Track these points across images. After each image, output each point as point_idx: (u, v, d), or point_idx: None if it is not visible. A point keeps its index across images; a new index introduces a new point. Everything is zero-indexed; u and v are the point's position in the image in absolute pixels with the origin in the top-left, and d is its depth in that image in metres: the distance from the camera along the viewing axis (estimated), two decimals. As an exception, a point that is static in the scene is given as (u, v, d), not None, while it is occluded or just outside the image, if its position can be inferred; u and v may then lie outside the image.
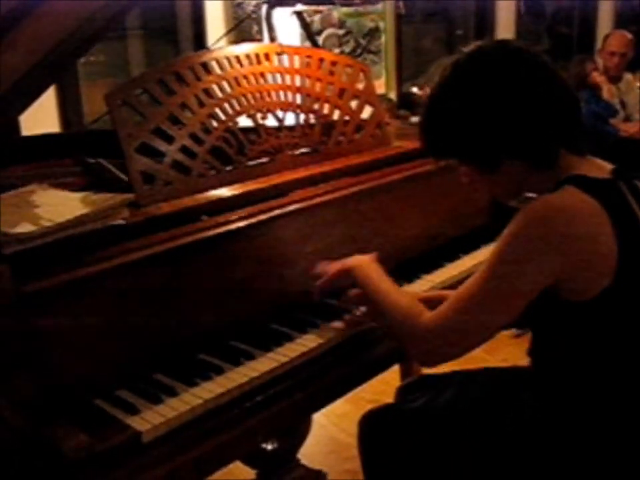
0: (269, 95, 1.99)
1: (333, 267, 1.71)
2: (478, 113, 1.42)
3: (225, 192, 1.80)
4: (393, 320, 1.54)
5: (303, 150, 2.04)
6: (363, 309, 1.75)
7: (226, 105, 1.90)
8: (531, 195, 1.48)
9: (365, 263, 1.67)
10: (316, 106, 2.09)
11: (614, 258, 1.35)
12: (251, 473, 2.27)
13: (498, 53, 1.45)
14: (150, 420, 1.38)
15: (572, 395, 1.48)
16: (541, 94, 1.41)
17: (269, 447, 2.22)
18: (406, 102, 5.30)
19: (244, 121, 1.94)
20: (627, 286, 1.36)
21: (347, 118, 2.16)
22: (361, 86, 2.22)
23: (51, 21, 1.69)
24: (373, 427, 1.76)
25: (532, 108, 1.40)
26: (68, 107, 3.86)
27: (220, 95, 1.90)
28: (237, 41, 3.60)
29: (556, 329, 1.44)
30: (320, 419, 2.76)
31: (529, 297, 1.37)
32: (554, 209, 1.35)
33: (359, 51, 4.96)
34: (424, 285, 1.96)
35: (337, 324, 1.71)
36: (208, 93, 1.88)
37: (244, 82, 1.95)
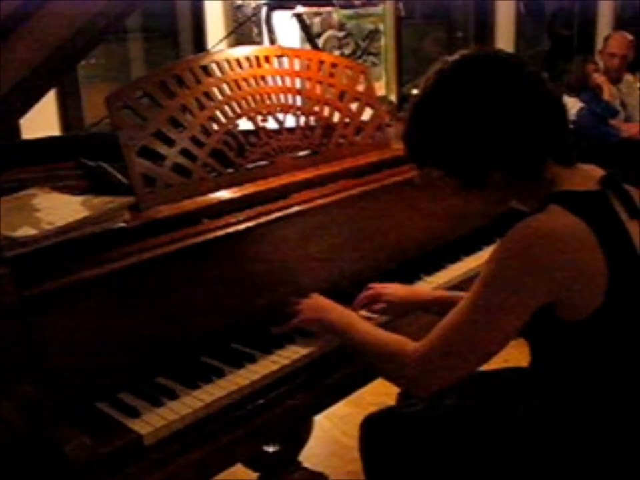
0: (269, 98, 2.00)
1: (306, 312, 1.68)
2: (460, 123, 1.39)
3: (225, 195, 1.80)
4: (379, 357, 1.50)
5: (303, 152, 2.04)
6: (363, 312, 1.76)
7: (226, 108, 1.90)
8: (515, 205, 1.47)
9: (347, 311, 1.64)
10: (316, 108, 2.09)
11: (604, 278, 1.31)
12: (252, 475, 2.27)
13: (481, 63, 1.41)
14: (151, 423, 1.38)
15: (572, 406, 1.47)
16: (524, 104, 1.37)
17: (271, 449, 2.22)
18: (406, 104, 5.30)
19: (244, 124, 1.94)
20: (618, 304, 1.34)
21: (347, 120, 2.16)
22: (361, 88, 2.23)
23: (52, 24, 1.69)
24: (375, 430, 1.76)
25: (515, 118, 1.37)
26: (68, 110, 3.86)
27: (220, 97, 1.90)
28: (237, 43, 3.60)
29: (552, 344, 1.42)
30: (322, 421, 2.77)
31: (517, 324, 1.34)
32: (536, 236, 1.31)
33: (358, 53, 4.95)
34: (424, 286, 1.97)
35: None
36: (208, 95, 1.88)
37: (244, 84, 1.95)
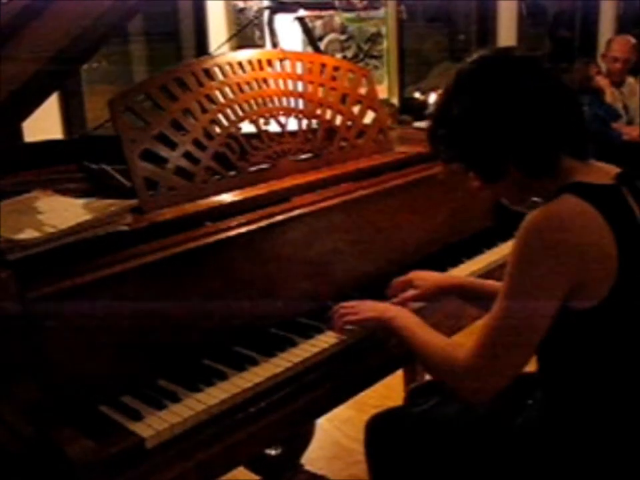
0: (271, 101, 2.00)
1: (366, 312, 1.69)
2: (479, 122, 1.43)
3: (227, 198, 1.80)
4: (433, 364, 1.52)
5: (306, 155, 2.04)
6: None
7: (228, 111, 1.90)
8: (536, 199, 1.48)
9: (401, 313, 1.65)
10: (318, 111, 2.10)
11: (614, 264, 1.33)
12: (254, 478, 2.27)
13: (499, 62, 1.46)
14: (154, 426, 1.38)
15: (579, 401, 1.47)
16: (543, 102, 1.41)
17: (273, 452, 2.23)
18: (408, 107, 5.30)
19: (246, 127, 1.94)
20: (628, 292, 1.35)
21: (349, 123, 2.16)
22: (363, 91, 2.23)
23: (55, 27, 1.69)
24: (380, 430, 1.76)
25: (534, 116, 1.41)
26: (70, 113, 3.86)
27: (222, 100, 1.90)
28: (239, 46, 3.60)
29: (561, 335, 1.42)
30: (324, 424, 2.76)
31: (550, 309, 1.35)
32: (547, 220, 1.34)
33: (360, 56, 4.96)
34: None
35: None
36: (210, 98, 1.88)
37: (246, 88, 1.95)
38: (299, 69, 2.09)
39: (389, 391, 2.36)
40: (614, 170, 1.47)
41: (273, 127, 1.99)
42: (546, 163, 1.43)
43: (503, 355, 1.37)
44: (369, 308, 1.70)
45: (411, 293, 1.83)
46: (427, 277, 1.85)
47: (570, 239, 1.32)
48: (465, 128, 1.45)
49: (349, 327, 1.70)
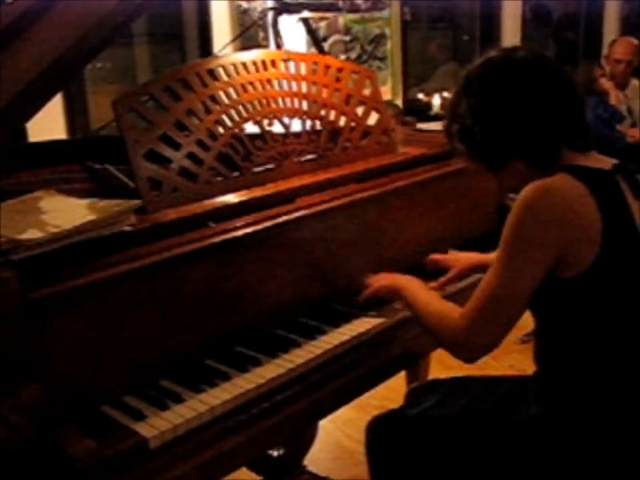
0: (275, 102, 2.00)
1: (380, 281, 1.82)
2: (485, 120, 1.53)
3: (231, 198, 1.80)
4: (432, 324, 1.60)
5: (309, 156, 2.04)
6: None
7: (232, 112, 1.90)
8: None
9: (409, 282, 1.75)
10: (322, 112, 2.10)
11: (598, 239, 1.42)
12: (257, 479, 2.27)
13: (503, 63, 1.54)
14: (157, 426, 1.38)
15: (577, 390, 1.51)
16: (544, 99, 1.50)
17: (275, 453, 2.23)
18: (412, 108, 5.30)
19: (250, 128, 1.94)
20: (609, 264, 1.44)
21: (353, 124, 2.16)
22: (367, 92, 2.23)
23: (59, 27, 1.69)
24: (381, 432, 1.76)
25: (536, 112, 1.50)
26: (75, 113, 3.87)
27: (226, 101, 1.90)
28: (243, 47, 3.60)
29: (551, 304, 1.51)
30: (326, 425, 2.76)
31: (537, 276, 1.44)
32: (535, 192, 1.43)
33: (364, 57, 4.96)
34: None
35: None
36: (214, 99, 1.88)
37: (250, 88, 1.96)
38: (303, 70, 2.09)
39: (391, 392, 2.36)
40: (612, 162, 1.55)
41: (277, 128, 1.99)
42: (548, 155, 1.51)
43: (493, 317, 1.48)
44: (382, 278, 1.84)
45: (446, 276, 1.96)
46: (460, 257, 2.01)
47: (557, 211, 1.42)
48: (473, 125, 1.54)
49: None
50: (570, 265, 1.43)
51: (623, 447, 1.49)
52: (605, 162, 1.54)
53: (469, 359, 1.55)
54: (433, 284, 1.92)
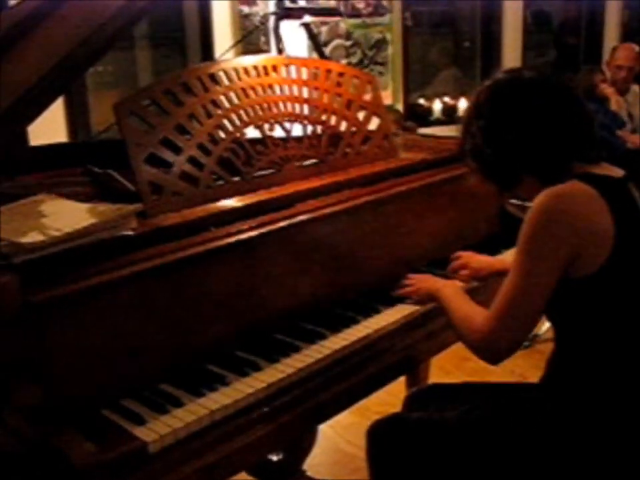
0: (277, 106, 2.00)
1: (421, 282, 1.92)
2: (495, 142, 1.59)
3: (232, 203, 1.81)
4: (458, 329, 1.66)
5: (310, 161, 2.04)
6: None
7: (233, 116, 1.91)
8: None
9: (446, 287, 1.82)
10: (323, 117, 2.10)
11: (610, 241, 1.46)
12: (256, 483, 2.26)
13: (511, 86, 1.61)
14: (156, 430, 1.38)
15: (588, 396, 1.53)
16: (553, 120, 1.55)
17: (275, 457, 2.22)
18: (413, 113, 5.31)
19: (251, 132, 1.94)
20: (620, 265, 1.47)
21: (353, 129, 2.16)
22: (368, 97, 2.23)
23: (62, 30, 1.70)
24: (382, 436, 1.76)
25: (545, 134, 1.54)
26: (76, 117, 3.88)
27: (228, 105, 1.90)
28: (244, 52, 3.61)
29: (564, 308, 1.55)
30: (326, 430, 2.76)
31: (552, 279, 1.49)
32: (548, 199, 1.48)
33: (365, 62, 4.97)
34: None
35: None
36: (216, 103, 1.88)
37: (251, 93, 1.96)
38: (304, 75, 2.09)
39: (391, 397, 2.36)
40: (622, 172, 1.59)
41: (278, 133, 1.99)
42: (559, 171, 1.54)
43: (514, 320, 1.53)
44: (423, 279, 1.94)
45: (465, 271, 2.05)
46: (481, 260, 2.07)
47: (570, 214, 1.46)
48: (484, 146, 1.60)
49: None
50: (581, 265, 1.47)
51: (633, 453, 1.50)
52: (616, 171, 1.58)
53: (494, 360, 1.59)
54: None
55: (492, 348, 1.57)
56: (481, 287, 2.02)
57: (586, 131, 1.58)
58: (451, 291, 1.79)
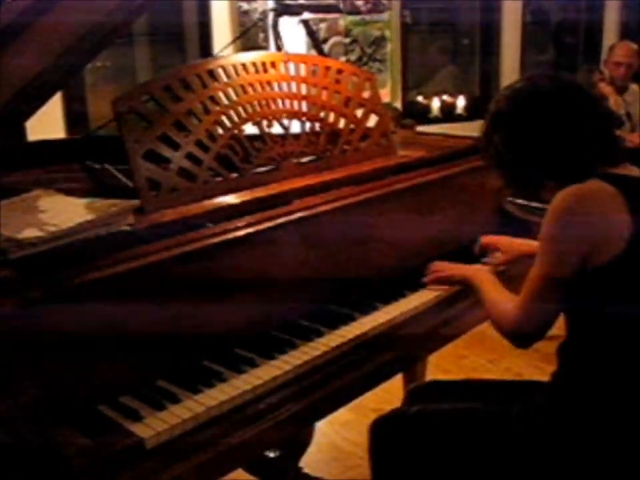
0: (275, 103, 2.00)
1: (453, 269, 1.98)
2: (516, 151, 1.62)
3: (230, 199, 1.80)
4: (490, 314, 1.73)
5: (308, 158, 2.04)
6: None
7: (232, 113, 1.91)
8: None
9: (479, 273, 1.89)
10: (321, 114, 2.10)
11: (625, 236, 1.48)
12: (253, 480, 2.26)
13: (531, 94, 1.62)
14: (153, 426, 1.38)
15: (596, 392, 1.55)
16: (575, 125, 1.57)
17: (272, 454, 2.22)
18: (411, 110, 5.31)
19: (250, 129, 1.94)
20: (633, 259, 1.50)
21: (352, 126, 2.16)
22: (366, 94, 2.23)
23: (58, 28, 1.69)
24: (384, 432, 1.77)
25: (569, 139, 1.57)
26: (74, 113, 3.88)
27: (226, 102, 1.90)
28: (243, 48, 3.61)
29: (581, 291, 1.56)
30: (323, 427, 2.76)
31: (571, 269, 1.52)
32: (568, 196, 1.52)
33: (364, 59, 4.96)
34: (429, 294, 1.96)
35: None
36: (214, 100, 1.88)
37: (250, 90, 1.96)
38: (303, 72, 2.09)
39: (388, 395, 2.36)
40: None
41: (276, 129, 1.99)
42: (581, 175, 1.55)
43: (540, 306, 1.58)
44: (456, 267, 1.99)
45: (498, 257, 2.13)
46: (512, 243, 2.13)
47: (588, 207, 1.50)
48: (505, 155, 1.64)
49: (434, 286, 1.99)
50: (596, 258, 1.50)
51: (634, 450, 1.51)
52: (635, 171, 1.62)
53: (523, 345, 1.67)
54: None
55: (521, 333, 1.63)
56: (507, 270, 2.09)
57: (607, 134, 1.61)
58: (482, 276, 1.85)
